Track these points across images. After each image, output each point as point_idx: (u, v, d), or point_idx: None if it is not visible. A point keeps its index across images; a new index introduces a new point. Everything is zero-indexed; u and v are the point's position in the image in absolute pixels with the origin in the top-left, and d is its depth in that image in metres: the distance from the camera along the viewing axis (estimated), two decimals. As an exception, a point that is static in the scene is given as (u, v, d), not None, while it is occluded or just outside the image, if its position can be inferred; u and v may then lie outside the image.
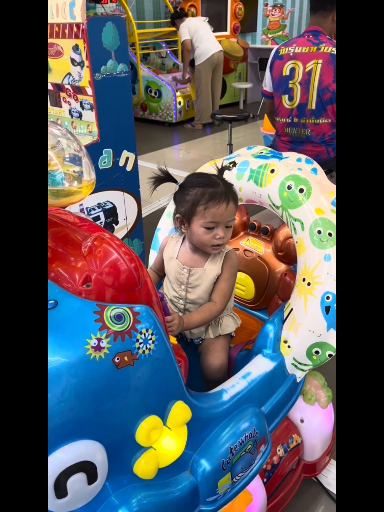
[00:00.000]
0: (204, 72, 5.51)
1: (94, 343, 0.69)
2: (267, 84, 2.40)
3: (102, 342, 0.69)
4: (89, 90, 1.87)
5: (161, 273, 1.30)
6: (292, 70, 2.22)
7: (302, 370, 1.16)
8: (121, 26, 1.86)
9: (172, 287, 1.22)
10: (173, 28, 6.05)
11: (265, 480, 1.16)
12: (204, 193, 1.08)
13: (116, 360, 0.71)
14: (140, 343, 0.74)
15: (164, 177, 1.16)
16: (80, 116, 1.99)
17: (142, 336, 0.75)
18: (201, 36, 5.35)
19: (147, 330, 0.76)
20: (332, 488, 1.38)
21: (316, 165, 1.24)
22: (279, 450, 1.22)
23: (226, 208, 1.09)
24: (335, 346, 1.10)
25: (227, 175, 1.26)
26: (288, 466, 1.24)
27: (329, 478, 1.40)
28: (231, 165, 1.31)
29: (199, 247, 1.15)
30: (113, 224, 2.19)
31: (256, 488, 1.10)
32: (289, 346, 1.13)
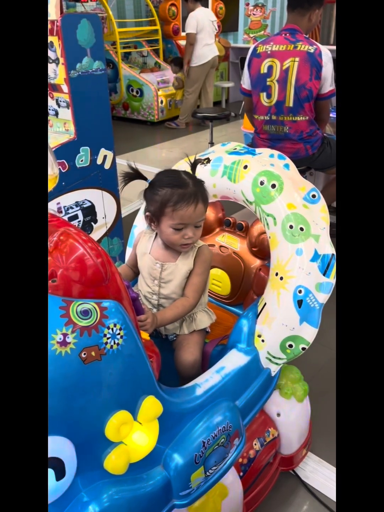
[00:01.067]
0: (198, 75, 5.42)
1: (60, 339, 0.68)
2: (246, 82, 2.41)
3: (68, 337, 0.69)
4: (65, 88, 1.86)
5: (136, 269, 1.30)
6: (270, 68, 2.23)
7: (277, 363, 1.17)
8: (96, 24, 1.84)
9: (146, 282, 1.22)
10: (155, 27, 6.05)
11: (241, 474, 1.17)
12: (173, 194, 1.08)
13: (83, 355, 0.71)
14: (108, 338, 0.74)
15: (134, 175, 1.16)
16: (57, 114, 1.97)
17: (110, 331, 0.75)
18: (203, 38, 5.21)
19: (115, 325, 0.75)
20: (309, 481, 1.39)
21: (288, 161, 1.25)
22: (255, 444, 1.22)
23: (194, 210, 1.08)
24: (308, 339, 1.12)
25: (202, 172, 1.27)
26: (265, 460, 1.25)
27: (306, 470, 1.42)
28: (205, 162, 1.32)
29: (169, 245, 1.16)
30: (92, 223, 2.17)
31: (232, 482, 1.11)
32: (263, 340, 1.14)
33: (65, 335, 0.69)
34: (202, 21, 5.16)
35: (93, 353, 0.72)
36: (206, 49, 5.32)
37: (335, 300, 1.14)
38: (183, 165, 1.33)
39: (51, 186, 0.72)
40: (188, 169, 1.21)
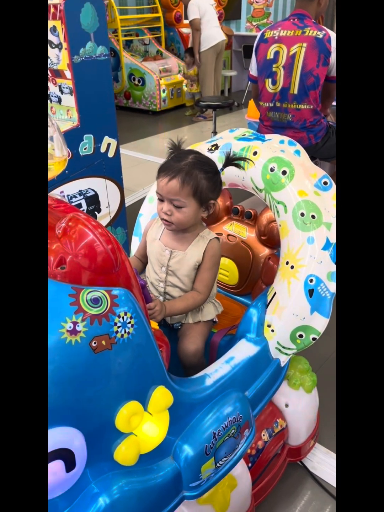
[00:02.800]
0: (209, 59, 5.35)
1: (70, 327, 0.66)
2: (253, 68, 2.37)
3: (78, 325, 0.67)
4: (68, 74, 1.82)
5: (144, 260, 1.27)
6: (276, 53, 2.19)
7: (286, 354, 1.15)
8: (100, 8, 1.80)
9: (153, 269, 1.19)
10: (157, 14, 5.96)
11: (250, 465, 1.16)
12: (164, 163, 1.09)
13: (93, 344, 0.69)
14: (118, 327, 0.72)
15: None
16: (60, 100, 1.94)
17: (121, 319, 0.72)
18: (209, 20, 5.17)
19: (125, 314, 0.73)
20: (317, 472, 1.38)
21: (299, 147, 1.22)
22: (264, 435, 1.21)
23: (166, 183, 1.05)
24: (318, 329, 1.10)
25: (212, 158, 1.24)
26: (273, 451, 1.24)
27: (314, 461, 1.41)
28: (213, 148, 1.29)
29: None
30: (95, 212, 2.15)
31: (241, 473, 1.10)
32: (272, 330, 1.12)
33: (75, 323, 0.67)
34: (203, 6, 5.13)
35: (103, 342, 0.70)
36: (214, 31, 5.26)
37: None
38: (200, 147, 1.30)
39: (60, 168, 0.69)
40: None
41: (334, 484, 1.35)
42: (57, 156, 0.68)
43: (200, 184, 1.07)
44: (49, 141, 0.67)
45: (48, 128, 0.67)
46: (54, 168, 0.69)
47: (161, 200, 1.10)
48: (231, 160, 1.14)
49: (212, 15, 5.22)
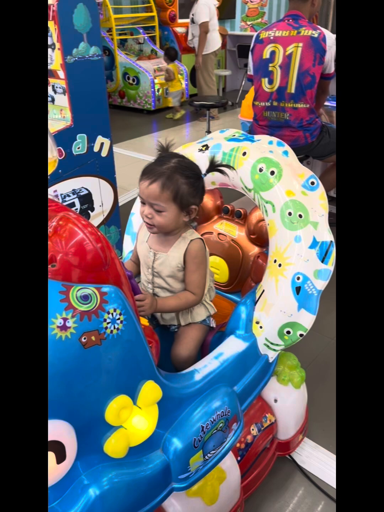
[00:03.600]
0: (210, 62, 5.36)
1: (60, 323, 0.68)
2: (251, 69, 2.40)
3: (68, 321, 0.69)
4: (61, 74, 1.84)
5: (139, 263, 1.27)
6: (272, 53, 2.22)
7: (274, 350, 1.17)
8: (93, 8, 1.82)
9: (142, 270, 1.21)
10: (151, 13, 5.97)
11: (239, 458, 1.18)
12: (147, 166, 1.09)
13: (83, 340, 0.71)
14: (108, 323, 0.74)
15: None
16: (53, 100, 1.95)
17: (110, 316, 0.75)
18: (214, 24, 5.17)
19: (115, 310, 0.75)
20: (306, 466, 1.41)
21: (287, 147, 1.25)
22: (253, 429, 1.24)
23: (147, 187, 1.05)
24: (305, 326, 1.12)
25: (200, 159, 1.26)
26: (262, 445, 1.26)
27: (302, 455, 1.44)
28: (204, 148, 1.31)
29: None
30: (89, 211, 2.16)
31: (230, 467, 1.12)
32: (261, 327, 1.14)
33: (65, 319, 0.69)
34: (212, 8, 5.09)
35: (93, 338, 0.72)
36: (217, 35, 5.28)
37: (331, 287, 1.16)
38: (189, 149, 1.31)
39: (51, 169, 0.71)
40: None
41: (323, 478, 1.38)
42: (48, 157, 0.69)
43: (180, 189, 1.05)
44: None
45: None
46: (45, 169, 0.71)
47: (143, 203, 1.09)
48: (215, 166, 1.14)
49: (216, 18, 5.22)
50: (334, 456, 1.43)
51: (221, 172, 1.16)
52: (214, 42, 5.25)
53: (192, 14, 5.12)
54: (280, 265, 1.12)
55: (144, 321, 0.97)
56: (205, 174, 1.13)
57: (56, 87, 1.90)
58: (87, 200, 2.12)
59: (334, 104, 3.13)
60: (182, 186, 1.06)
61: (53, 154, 0.71)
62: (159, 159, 1.10)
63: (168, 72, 5.53)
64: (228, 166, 1.17)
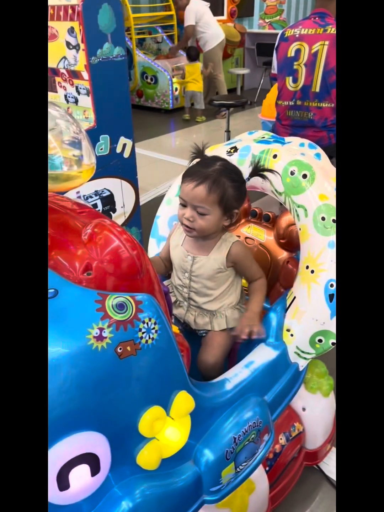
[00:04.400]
0: (218, 56, 5.56)
1: (96, 333, 0.67)
2: (275, 68, 2.36)
3: (104, 331, 0.67)
4: (85, 75, 1.83)
5: (168, 262, 1.26)
6: (298, 51, 2.18)
7: (305, 358, 1.14)
8: (117, 8, 1.81)
9: (177, 275, 1.19)
10: (170, 12, 5.95)
11: (267, 468, 1.16)
12: (190, 168, 1.09)
13: (119, 350, 0.69)
14: (143, 333, 0.72)
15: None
16: (76, 101, 1.95)
17: (145, 325, 0.73)
18: (208, 21, 5.36)
19: (150, 319, 0.74)
20: (333, 476, 1.38)
21: (319, 150, 1.22)
22: (281, 439, 1.21)
23: (192, 189, 1.03)
24: (338, 334, 1.09)
25: (231, 161, 1.23)
26: (290, 455, 1.23)
27: (330, 466, 1.40)
28: (232, 151, 1.29)
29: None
30: (111, 212, 2.16)
31: (259, 477, 1.10)
32: (292, 335, 1.11)
33: (101, 329, 0.67)
34: (201, 10, 5.32)
35: (128, 348, 0.71)
36: (216, 29, 5.45)
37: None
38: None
39: (88, 176, 0.69)
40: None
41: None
42: (86, 164, 0.68)
43: (226, 192, 1.05)
44: (76, 149, 0.66)
45: (77, 135, 0.67)
46: (82, 176, 0.69)
47: (183, 205, 1.07)
48: (258, 171, 1.13)
49: (210, 16, 5.41)
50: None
51: (263, 177, 1.14)
52: (216, 36, 5.45)
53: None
54: (313, 271, 1.09)
55: (175, 329, 0.96)
56: (248, 179, 1.13)
57: (80, 88, 1.90)
58: (109, 201, 2.12)
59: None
60: (228, 189, 1.05)
61: (92, 161, 0.69)
62: (203, 162, 1.10)
63: (179, 69, 5.61)
64: (271, 170, 1.15)
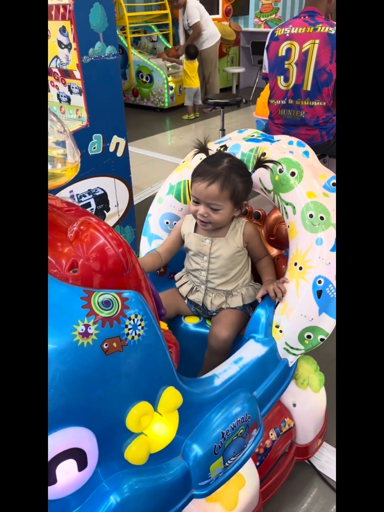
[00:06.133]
0: (214, 55, 5.65)
1: (82, 330, 0.68)
2: (267, 67, 2.37)
3: (90, 328, 0.68)
4: (77, 74, 1.83)
5: (165, 255, 1.30)
6: (288, 50, 2.18)
7: (294, 354, 1.16)
8: (109, 7, 1.81)
9: (194, 260, 1.25)
10: (165, 11, 5.94)
11: (258, 463, 1.17)
12: (199, 167, 1.14)
13: (105, 347, 0.70)
14: (129, 329, 0.73)
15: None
16: (69, 100, 1.95)
17: (131, 322, 0.74)
18: (207, 19, 5.46)
19: (136, 316, 0.75)
20: (325, 471, 1.39)
21: (308, 148, 1.23)
22: (271, 434, 1.22)
23: (205, 188, 1.10)
24: (326, 330, 1.10)
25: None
26: (281, 450, 1.25)
27: (322, 461, 1.41)
28: (222, 149, 1.29)
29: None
30: (104, 211, 2.16)
31: (249, 472, 1.11)
32: (281, 331, 1.13)
33: (87, 326, 0.68)
34: (201, 7, 5.39)
35: (114, 344, 0.71)
36: (213, 29, 5.53)
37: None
38: (196, 156, 1.31)
39: (73, 174, 0.70)
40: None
41: (342, 483, 1.35)
42: (70, 162, 0.68)
43: (237, 187, 1.12)
44: (60, 147, 0.67)
45: (60, 134, 0.67)
46: (67, 174, 0.70)
47: (196, 202, 1.14)
48: (262, 163, 1.17)
49: (207, 14, 5.52)
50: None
51: (266, 167, 1.18)
52: (214, 36, 5.55)
53: (187, 20, 5.41)
54: (301, 268, 1.10)
55: (164, 325, 0.96)
56: (253, 171, 1.18)
57: (72, 87, 1.90)
58: (102, 200, 2.12)
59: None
60: (238, 185, 1.12)
61: (76, 159, 0.70)
62: (211, 160, 1.15)
63: (172, 61, 5.70)
64: (274, 161, 1.18)
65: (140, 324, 0.75)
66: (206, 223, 1.16)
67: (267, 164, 1.17)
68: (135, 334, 0.74)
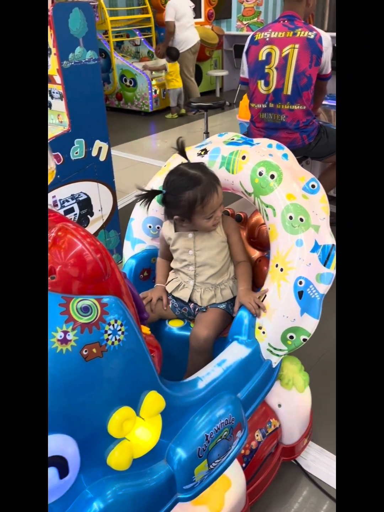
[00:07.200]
0: (190, 59, 5.64)
1: (60, 336, 0.68)
2: (244, 71, 2.38)
3: (69, 334, 0.68)
4: (58, 79, 1.83)
5: (170, 259, 1.37)
6: (269, 55, 2.20)
7: (278, 355, 1.16)
8: (88, 12, 1.81)
9: (181, 258, 1.28)
10: (147, 15, 5.96)
11: (244, 465, 1.17)
12: (196, 194, 1.15)
13: (84, 352, 0.70)
14: (109, 335, 0.73)
15: (150, 194, 1.25)
16: (50, 105, 1.94)
17: (111, 327, 0.74)
18: (185, 23, 5.41)
19: (116, 321, 0.75)
20: (311, 470, 1.40)
21: (287, 150, 1.24)
22: (257, 435, 1.23)
23: (217, 196, 1.17)
24: (308, 330, 1.11)
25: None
26: (267, 450, 1.25)
27: (308, 460, 1.42)
28: (203, 152, 1.30)
29: (203, 231, 1.25)
30: (88, 216, 2.15)
31: (235, 474, 1.11)
32: (263, 332, 1.13)
33: (65, 332, 0.68)
34: (181, 9, 5.33)
35: (94, 350, 0.71)
36: (190, 33, 5.51)
37: (334, 289, 1.15)
38: (176, 161, 1.32)
39: (48, 181, 0.70)
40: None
41: (328, 482, 1.37)
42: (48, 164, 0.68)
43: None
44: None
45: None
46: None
47: (211, 216, 1.19)
48: (182, 150, 1.25)
49: (189, 17, 5.47)
50: (340, 460, 1.42)
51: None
52: (188, 40, 5.51)
53: None
54: (282, 269, 1.11)
55: (146, 330, 0.96)
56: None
57: (53, 92, 1.89)
58: (86, 205, 2.12)
59: (332, 102, 3.12)
60: (215, 175, 1.20)
61: (50, 165, 0.70)
62: (196, 180, 1.17)
63: (154, 69, 5.66)
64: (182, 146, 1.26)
65: (120, 329, 0.75)
66: (217, 221, 1.22)
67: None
68: (115, 339, 0.74)
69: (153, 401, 0.82)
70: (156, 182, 1.40)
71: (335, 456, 1.43)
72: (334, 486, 1.35)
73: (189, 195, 1.15)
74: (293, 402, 1.31)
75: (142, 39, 6.17)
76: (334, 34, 2.56)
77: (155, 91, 5.77)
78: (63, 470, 0.71)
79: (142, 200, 1.24)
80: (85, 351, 0.70)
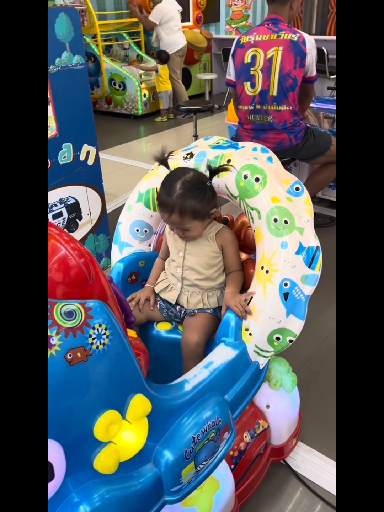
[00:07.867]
0: (178, 61, 5.71)
1: (44, 341, 0.68)
2: (231, 74, 2.41)
3: (53, 339, 0.69)
4: (45, 84, 1.83)
5: (165, 255, 1.38)
6: (253, 57, 2.23)
7: (265, 356, 1.17)
8: (74, 17, 1.81)
9: (172, 258, 1.30)
10: (136, 19, 5.97)
11: (232, 466, 1.18)
12: (158, 196, 1.19)
13: (69, 357, 0.71)
14: (93, 339, 0.74)
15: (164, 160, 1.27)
16: (37, 110, 1.94)
17: (95, 331, 0.74)
18: (173, 27, 5.47)
19: (100, 325, 0.75)
20: (300, 470, 1.41)
21: (271, 154, 1.25)
22: (246, 436, 1.23)
23: (168, 217, 1.17)
24: (294, 332, 1.13)
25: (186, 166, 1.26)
26: (256, 451, 1.26)
27: (297, 460, 1.43)
28: (188, 156, 1.31)
29: None
30: (77, 220, 2.15)
31: (223, 475, 1.12)
32: (250, 334, 1.14)
33: (50, 337, 0.68)
34: (170, 12, 5.41)
35: (78, 354, 0.72)
36: (178, 36, 5.58)
37: (319, 289, 1.16)
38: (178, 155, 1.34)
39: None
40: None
41: (317, 482, 1.37)
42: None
43: (195, 208, 1.15)
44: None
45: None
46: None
47: (171, 227, 1.23)
48: (213, 171, 1.19)
49: (177, 21, 5.54)
50: (328, 459, 1.43)
51: (224, 170, 1.22)
52: (175, 44, 5.58)
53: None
54: (267, 271, 1.12)
55: (132, 333, 0.97)
56: (210, 182, 1.19)
57: (40, 97, 1.89)
58: (74, 209, 2.12)
59: (320, 105, 3.16)
60: (196, 205, 1.16)
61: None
62: (167, 187, 1.17)
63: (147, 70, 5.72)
64: (225, 168, 1.20)
65: (104, 333, 0.76)
66: (185, 237, 1.24)
67: (218, 172, 1.20)
68: (100, 343, 0.75)
69: (139, 404, 0.83)
70: (143, 186, 1.40)
71: (323, 456, 1.45)
72: (323, 486, 1.37)
73: (159, 191, 1.20)
74: (281, 403, 1.32)
75: (131, 43, 6.18)
76: (319, 36, 2.59)
77: (145, 95, 5.78)
78: (49, 475, 0.72)
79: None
80: (70, 355, 0.70)
